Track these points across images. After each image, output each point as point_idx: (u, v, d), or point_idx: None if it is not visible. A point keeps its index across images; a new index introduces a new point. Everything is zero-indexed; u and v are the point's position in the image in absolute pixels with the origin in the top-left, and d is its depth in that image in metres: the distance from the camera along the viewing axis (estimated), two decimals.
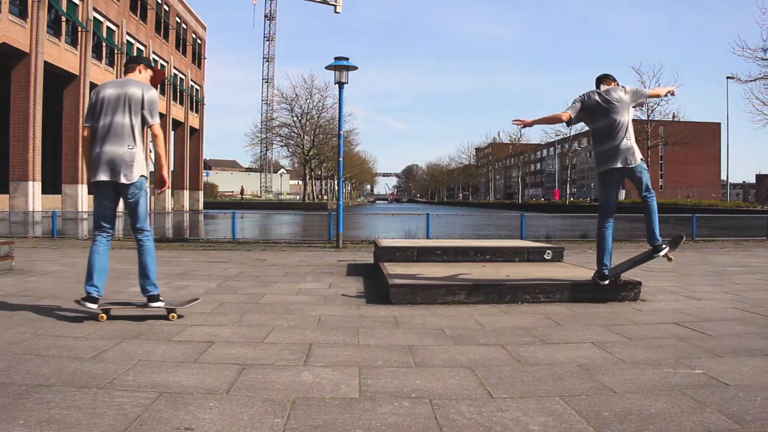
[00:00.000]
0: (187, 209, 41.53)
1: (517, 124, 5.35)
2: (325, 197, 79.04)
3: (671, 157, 71.30)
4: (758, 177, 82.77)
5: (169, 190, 41.99)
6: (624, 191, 70.07)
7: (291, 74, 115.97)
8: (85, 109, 4.24)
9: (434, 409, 2.35)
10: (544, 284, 5.02)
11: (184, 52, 44.18)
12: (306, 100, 62.89)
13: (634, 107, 4.88)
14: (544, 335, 3.70)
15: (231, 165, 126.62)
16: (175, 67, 42.26)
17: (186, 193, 45.35)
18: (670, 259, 4.89)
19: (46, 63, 25.02)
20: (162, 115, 40.25)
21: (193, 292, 5.47)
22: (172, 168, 42.81)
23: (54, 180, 28.69)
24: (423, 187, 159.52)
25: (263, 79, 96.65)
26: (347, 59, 11.32)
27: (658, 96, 5.31)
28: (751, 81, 27.99)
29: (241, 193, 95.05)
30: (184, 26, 44.13)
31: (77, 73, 28.24)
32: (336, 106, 47.88)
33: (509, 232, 15.25)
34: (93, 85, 29.35)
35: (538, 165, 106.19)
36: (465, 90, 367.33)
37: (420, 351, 3.30)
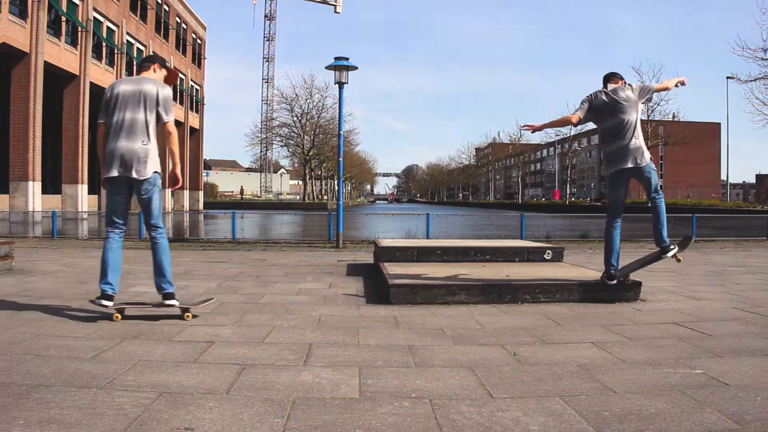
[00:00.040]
0: (187, 209, 41.50)
1: (527, 129, 5.35)
2: (325, 197, 79.05)
3: (671, 157, 71.27)
4: (758, 177, 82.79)
5: (169, 189, 41.95)
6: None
7: (291, 74, 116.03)
8: (100, 106, 4.21)
9: (434, 409, 2.35)
10: (544, 284, 5.02)
11: (184, 52, 44.18)
12: (306, 100, 62.96)
13: (642, 104, 4.87)
14: (544, 335, 3.70)
15: (231, 165, 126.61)
16: (175, 67, 42.07)
17: (186, 193, 45.33)
18: (678, 260, 4.89)
19: (46, 63, 25.01)
20: None
21: (194, 292, 5.47)
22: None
23: (54, 180, 28.68)
24: (423, 187, 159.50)
25: (263, 79, 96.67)
26: (347, 59, 11.32)
27: (666, 89, 5.15)
28: (751, 81, 28.07)
29: (241, 193, 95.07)
30: (184, 26, 44.13)
31: (77, 73, 28.23)
32: (336, 106, 47.92)
33: (509, 232, 15.25)
34: (93, 85, 29.39)
35: (538, 165, 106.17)
36: (465, 90, 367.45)
37: (420, 351, 3.30)
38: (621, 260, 5.14)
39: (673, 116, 50.57)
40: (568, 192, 71.54)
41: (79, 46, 28.24)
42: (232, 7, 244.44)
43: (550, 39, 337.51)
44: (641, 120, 5.02)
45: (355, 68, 11.44)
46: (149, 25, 37.10)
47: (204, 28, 49.77)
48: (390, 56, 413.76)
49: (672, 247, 4.85)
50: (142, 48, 36.18)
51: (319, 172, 79.20)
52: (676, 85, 5.17)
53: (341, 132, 12.95)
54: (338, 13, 67.76)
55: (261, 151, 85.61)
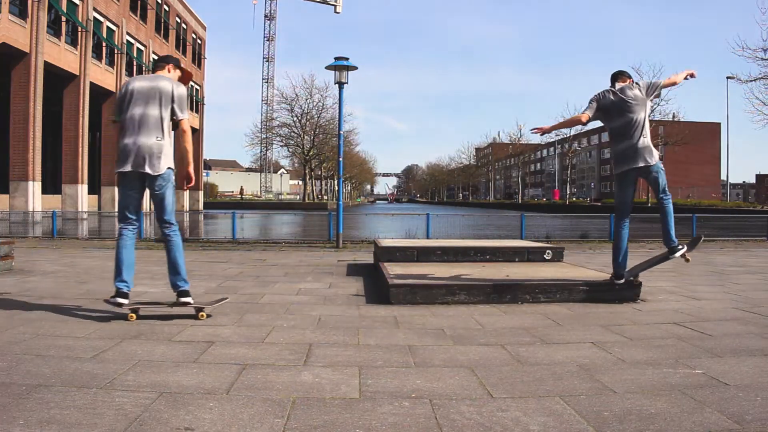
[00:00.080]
0: (187, 209, 41.43)
1: (536, 132, 5.36)
2: (325, 197, 79.05)
3: (671, 157, 71.23)
4: (758, 177, 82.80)
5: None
6: None
7: (291, 74, 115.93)
8: (114, 104, 4.23)
9: (434, 409, 2.35)
10: (544, 284, 5.02)
11: (184, 52, 44.16)
12: (306, 100, 62.94)
13: (650, 101, 4.85)
14: (544, 335, 3.70)
15: (231, 165, 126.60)
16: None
17: (186, 193, 45.33)
18: (687, 260, 4.88)
19: (46, 63, 25.00)
20: None
21: (194, 292, 5.44)
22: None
23: (54, 180, 28.67)
24: (423, 187, 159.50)
25: (263, 79, 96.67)
26: (347, 59, 11.32)
27: (674, 84, 5.03)
28: (751, 81, 28.04)
29: (241, 193, 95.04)
30: (184, 26, 44.13)
31: (77, 73, 28.22)
32: (336, 106, 47.92)
33: (509, 232, 15.25)
34: (93, 85, 29.39)
35: (538, 165, 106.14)
36: (465, 90, 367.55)
37: (420, 351, 3.30)
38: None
39: (673, 116, 50.56)
40: (568, 192, 71.50)
41: (79, 46, 28.24)
42: (232, 7, 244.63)
43: (550, 39, 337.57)
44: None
45: (355, 68, 11.45)
46: (149, 25, 37.09)
47: (204, 28, 49.76)
48: (390, 56, 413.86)
49: (680, 247, 4.84)
50: (142, 48, 36.18)
51: (319, 172, 79.21)
52: (686, 78, 5.06)
53: (341, 132, 12.95)
54: (338, 13, 67.77)
55: (261, 151, 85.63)
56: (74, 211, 25.52)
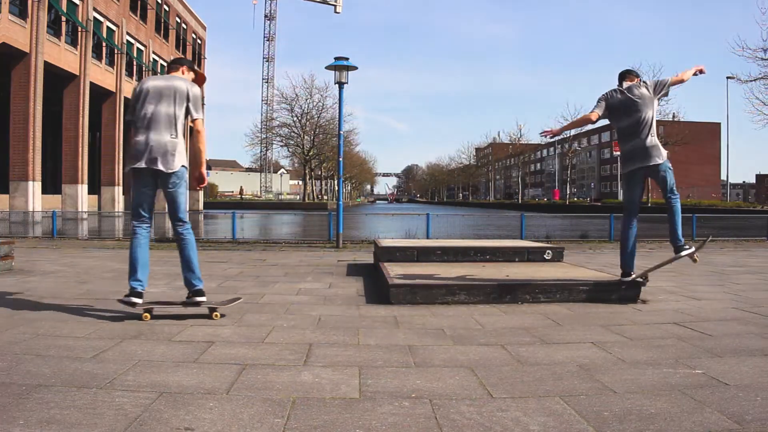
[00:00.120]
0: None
1: (546, 135, 5.36)
2: (325, 197, 79.04)
3: (671, 157, 70.23)
4: (758, 177, 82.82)
5: None
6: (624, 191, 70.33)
7: (291, 74, 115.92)
8: (129, 103, 4.23)
9: (434, 409, 2.35)
10: (544, 284, 5.02)
11: (184, 52, 44.14)
12: (306, 100, 62.92)
13: (658, 99, 4.84)
14: (544, 335, 3.70)
15: (231, 165, 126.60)
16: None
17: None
18: (695, 260, 4.87)
19: (46, 63, 25.01)
20: None
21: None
22: None
23: (54, 180, 28.68)
24: (423, 187, 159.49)
25: (263, 79, 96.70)
26: (347, 59, 11.32)
27: (682, 81, 4.94)
28: (751, 81, 28.03)
29: (240, 193, 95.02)
30: (184, 26, 44.13)
31: (77, 73, 28.23)
32: (336, 106, 47.91)
33: (509, 232, 15.26)
34: (93, 85, 29.40)
35: (538, 165, 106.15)
36: (465, 90, 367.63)
37: (420, 351, 3.30)
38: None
39: (673, 116, 50.54)
40: (568, 192, 71.49)
41: (79, 46, 28.25)
42: (232, 7, 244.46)
43: (550, 39, 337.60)
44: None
45: (355, 68, 11.44)
46: (149, 25, 37.10)
47: (204, 28, 49.77)
48: (390, 56, 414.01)
49: (687, 246, 4.84)
50: (142, 48, 36.19)
51: (319, 172, 79.20)
52: (696, 74, 5.00)
53: (341, 132, 12.95)
54: (338, 13, 67.74)
55: (261, 151, 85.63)
56: (74, 211, 25.54)
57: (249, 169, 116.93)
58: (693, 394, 2.51)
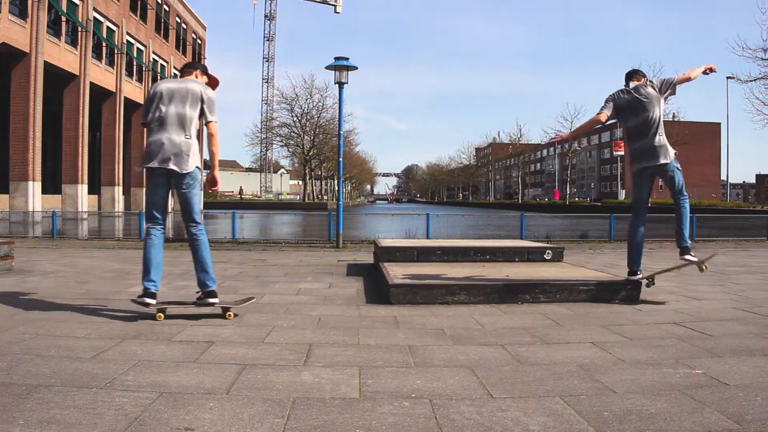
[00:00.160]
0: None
1: (556, 141, 5.35)
2: (325, 197, 79.04)
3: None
4: (758, 177, 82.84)
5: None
6: (624, 191, 70.28)
7: (291, 74, 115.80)
8: (143, 106, 4.24)
9: (434, 409, 2.35)
10: (544, 284, 5.02)
11: (184, 52, 44.15)
12: (306, 100, 62.91)
13: (665, 98, 4.83)
14: (544, 335, 3.70)
15: (231, 165, 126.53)
16: (175, 67, 42.22)
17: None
18: (702, 270, 4.86)
19: (46, 63, 25.01)
20: None
21: (193, 292, 5.46)
22: None
23: (54, 180, 28.68)
24: (423, 187, 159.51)
25: (263, 79, 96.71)
26: (347, 59, 11.32)
27: (688, 80, 4.86)
28: (751, 81, 28.03)
29: (240, 193, 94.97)
30: (184, 26, 44.12)
31: (77, 73, 28.23)
32: (336, 106, 47.92)
33: (509, 232, 15.25)
34: (93, 85, 29.39)
35: (538, 165, 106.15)
36: (465, 90, 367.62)
37: (420, 351, 3.30)
38: (622, 260, 5.14)
39: (673, 116, 50.58)
40: (568, 192, 71.48)
41: (79, 46, 28.24)
42: (232, 7, 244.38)
43: (550, 39, 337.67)
44: None
45: (355, 68, 11.44)
46: (149, 25, 37.09)
47: (204, 28, 49.77)
48: (390, 56, 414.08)
49: (692, 253, 4.83)
50: (142, 48, 36.18)
51: (319, 172, 79.19)
52: (706, 72, 4.93)
53: (341, 132, 12.95)
54: (338, 13, 67.84)
55: (261, 151, 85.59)
56: (74, 211, 25.52)
57: (249, 169, 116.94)
58: (693, 394, 2.51)
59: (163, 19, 39.41)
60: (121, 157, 33.38)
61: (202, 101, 4.08)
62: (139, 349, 3.25)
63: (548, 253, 7.06)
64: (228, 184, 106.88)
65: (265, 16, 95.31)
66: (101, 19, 30.49)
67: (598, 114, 4.96)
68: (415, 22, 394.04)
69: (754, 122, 64.06)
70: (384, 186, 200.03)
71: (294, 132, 64.76)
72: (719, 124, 66.76)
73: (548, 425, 2.18)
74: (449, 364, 3.02)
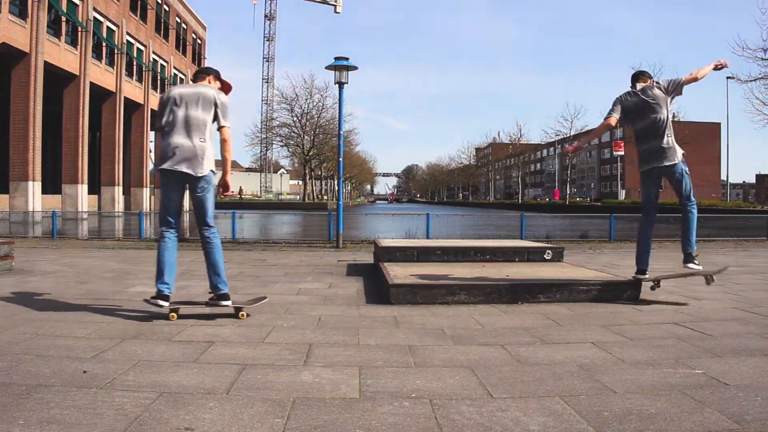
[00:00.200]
0: (187, 209, 41.54)
1: (569, 152, 5.42)
2: (325, 197, 79.03)
3: None
4: (758, 177, 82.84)
5: None
6: (624, 191, 70.28)
7: (291, 74, 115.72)
8: (157, 112, 4.27)
9: (434, 409, 2.35)
10: (544, 284, 5.02)
11: (184, 52, 44.17)
12: (306, 100, 62.90)
13: (672, 99, 4.83)
14: (544, 335, 3.70)
15: (231, 165, 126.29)
16: (175, 67, 42.27)
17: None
18: (708, 282, 4.85)
19: (46, 63, 25.00)
20: None
21: (194, 292, 5.47)
22: None
23: (54, 180, 28.68)
24: (423, 187, 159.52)
25: (263, 79, 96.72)
26: (347, 59, 11.32)
27: (696, 80, 4.78)
28: (751, 81, 28.09)
29: (240, 193, 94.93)
30: (184, 26, 44.13)
31: (77, 73, 28.23)
32: (336, 106, 47.91)
33: (509, 232, 15.25)
34: (93, 85, 29.38)
35: (538, 165, 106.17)
36: (465, 90, 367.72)
37: (420, 351, 3.30)
38: (622, 260, 5.14)
39: (673, 116, 50.52)
40: (568, 192, 71.48)
41: (79, 46, 28.24)
42: (232, 7, 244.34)
43: (550, 39, 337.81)
44: None
45: (355, 68, 11.44)
46: (149, 25, 37.09)
47: (204, 28, 49.77)
48: (390, 56, 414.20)
49: (696, 262, 4.83)
50: (142, 48, 36.18)
51: (319, 172, 79.18)
52: (717, 68, 4.88)
53: (341, 132, 12.95)
54: (338, 13, 67.83)
55: (261, 151, 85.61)
56: (74, 211, 25.52)
57: (249, 169, 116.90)
58: (693, 394, 2.51)
59: (163, 19, 39.41)
60: (121, 157, 33.38)
61: (216, 105, 4.10)
62: (139, 349, 3.25)
63: (548, 253, 7.06)
64: None
65: (265, 16, 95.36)
66: (101, 19, 30.49)
67: (607, 118, 4.96)
68: (415, 22, 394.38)
69: (754, 122, 64.14)
70: (384, 186, 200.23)
71: (294, 132, 64.75)
72: (719, 124, 66.81)
73: (548, 425, 2.18)
74: (449, 364, 3.02)
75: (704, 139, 66.63)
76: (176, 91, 4.16)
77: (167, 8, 40.21)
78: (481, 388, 2.63)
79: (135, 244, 12.37)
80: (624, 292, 5.02)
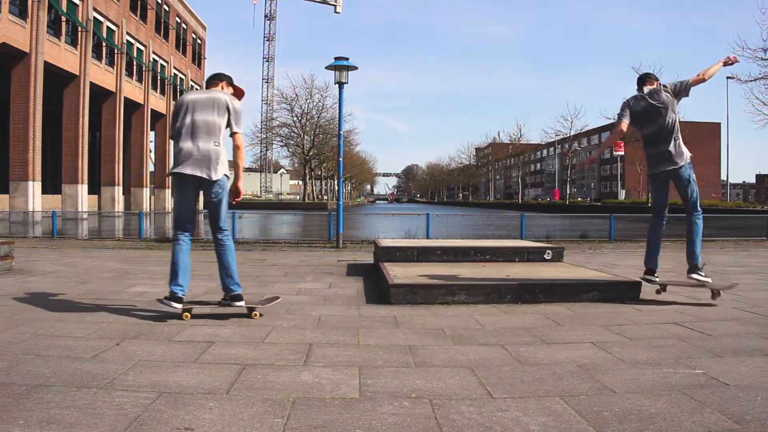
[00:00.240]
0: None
1: (587, 164, 5.41)
2: (325, 197, 79.03)
3: None
4: (758, 177, 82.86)
5: (169, 189, 41.97)
6: (624, 191, 70.28)
7: (291, 74, 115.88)
8: (170, 119, 4.30)
9: (434, 409, 2.35)
10: (544, 284, 5.02)
11: (184, 52, 44.17)
12: (306, 100, 62.93)
13: (678, 101, 4.83)
14: (544, 335, 3.70)
15: (231, 165, 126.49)
16: (175, 67, 42.28)
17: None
18: (714, 296, 4.80)
19: (46, 63, 25.01)
20: (162, 116, 40.29)
21: (194, 292, 5.46)
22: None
23: (54, 180, 28.69)
24: (423, 187, 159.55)
25: (263, 79, 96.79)
26: (347, 59, 11.32)
27: (703, 81, 4.73)
28: (751, 81, 28.05)
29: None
30: (184, 26, 44.12)
31: (77, 73, 28.23)
32: (336, 106, 47.92)
33: (509, 232, 15.26)
34: (93, 85, 29.39)
35: (538, 165, 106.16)
36: (465, 90, 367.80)
37: (420, 351, 3.30)
38: (622, 260, 5.13)
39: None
40: (568, 192, 71.48)
41: (79, 46, 28.24)
42: (232, 7, 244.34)
43: (550, 39, 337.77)
44: None
45: (355, 68, 11.44)
46: (149, 25, 37.09)
47: (204, 28, 49.76)
48: (390, 56, 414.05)
49: (702, 273, 4.82)
50: (142, 48, 36.18)
51: (319, 172, 79.18)
52: (726, 64, 4.87)
53: (341, 132, 12.94)
54: (338, 13, 67.86)
55: (261, 151, 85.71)
56: (74, 211, 25.54)
57: (249, 169, 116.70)
58: (693, 394, 2.51)
59: (163, 19, 39.41)
60: (121, 157, 33.38)
61: (229, 111, 4.11)
62: (139, 349, 3.26)
63: (548, 253, 7.06)
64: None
65: (265, 16, 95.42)
66: (101, 19, 30.49)
67: (619, 124, 4.97)
68: (415, 22, 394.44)
69: (754, 122, 64.16)
70: (384, 186, 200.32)
71: (294, 132, 64.77)
72: (719, 124, 66.82)
73: (548, 425, 2.18)
74: (449, 364, 3.02)
75: (704, 139, 66.55)
76: (189, 97, 4.19)
77: (167, 8, 40.21)
78: (481, 388, 2.63)
79: (135, 244, 12.37)
80: (624, 292, 5.03)
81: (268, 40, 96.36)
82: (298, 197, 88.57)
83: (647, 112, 4.81)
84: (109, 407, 2.30)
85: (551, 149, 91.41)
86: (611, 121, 59.68)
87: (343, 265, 8.05)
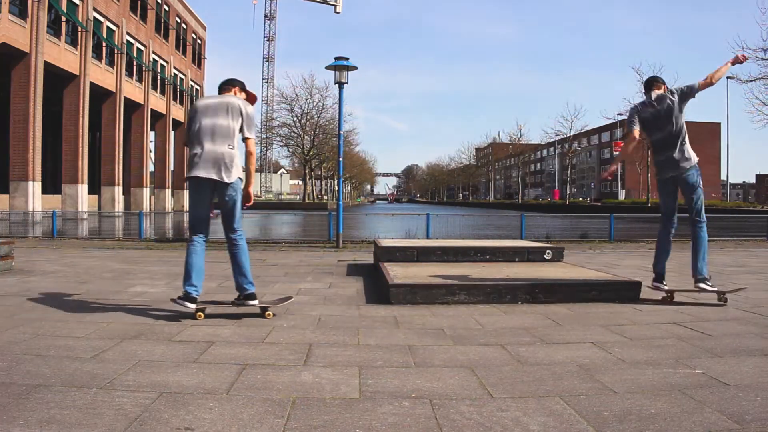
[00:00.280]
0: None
1: (608, 176, 5.50)
2: (325, 197, 79.02)
3: None
4: (758, 177, 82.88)
5: (169, 189, 41.99)
6: (624, 191, 70.24)
7: (291, 74, 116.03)
8: (185, 125, 4.31)
9: (434, 409, 2.35)
10: (544, 284, 5.02)
11: (184, 52, 44.18)
12: (306, 100, 62.92)
13: (685, 104, 4.83)
14: (544, 335, 3.70)
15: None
16: (175, 67, 42.28)
17: (186, 193, 45.30)
18: (720, 300, 4.79)
19: (46, 63, 25.01)
20: (162, 116, 40.30)
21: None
22: (172, 168, 42.82)
23: (54, 180, 28.70)
24: (423, 187, 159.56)
25: (263, 79, 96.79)
26: (347, 59, 11.32)
27: (711, 84, 4.73)
28: (751, 81, 28.13)
29: None
30: (184, 26, 44.13)
31: (77, 73, 28.24)
32: (336, 106, 47.91)
33: (509, 232, 15.25)
34: (93, 85, 29.40)
35: (538, 165, 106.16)
36: (465, 90, 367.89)
37: (420, 351, 3.30)
38: (622, 260, 5.13)
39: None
40: (568, 192, 71.48)
41: (79, 46, 28.25)
42: (232, 7, 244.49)
43: (550, 39, 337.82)
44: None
45: (355, 68, 11.44)
46: (149, 25, 37.10)
47: (204, 28, 49.77)
48: (390, 56, 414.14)
49: (709, 283, 4.81)
50: (142, 48, 36.19)
51: (319, 172, 79.18)
52: (737, 62, 4.88)
53: (341, 132, 12.94)
54: (338, 13, 67.92)
55: (261, 151, 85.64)
56: (74, 211, 25.54)
57: None
58: (693, 394, 2.51)
59: (163, 19, 39.42)
60: (121, 157, 33.38)
61: (242, 115, 4.14)
62: (139, 349, 3.26)
63: (548, 253, 7.06)
64: None
65: (265, 16, 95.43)
66: (101, 19, 30.50)
67: (631, 132, 4.97)
68: (415, 22, 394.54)
69: (754, 122, 64.17)
70: (384, 186, 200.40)
71: (294, 132, 64.76)
72: (719, 124, 66.83)
73: (548, 425, 2.18)
74: (449, 364, 3.02)
75: (704, 139, 66.59)
76: (203, 102, 4.22)
77: (167, 8, 40.22)
78: (481, 388, 2.63)
79: (135, 244, 12.36)
80: (624, 292, 5.03)
81: (268, 40, 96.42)
82: (298, 197, 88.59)
83: (655, 119, 4.82)
84: (109, 407, 2.30)
85: (551, 149, 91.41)
86: (611, 121, 59.84)
87: (343, 265, 8.05)
